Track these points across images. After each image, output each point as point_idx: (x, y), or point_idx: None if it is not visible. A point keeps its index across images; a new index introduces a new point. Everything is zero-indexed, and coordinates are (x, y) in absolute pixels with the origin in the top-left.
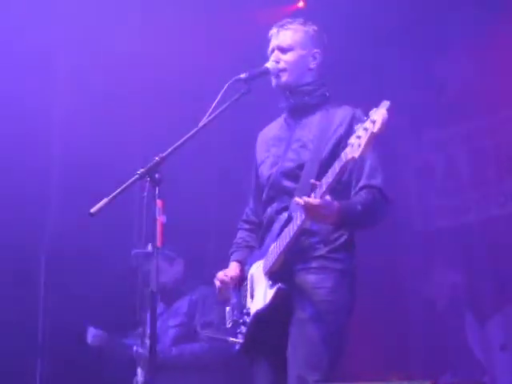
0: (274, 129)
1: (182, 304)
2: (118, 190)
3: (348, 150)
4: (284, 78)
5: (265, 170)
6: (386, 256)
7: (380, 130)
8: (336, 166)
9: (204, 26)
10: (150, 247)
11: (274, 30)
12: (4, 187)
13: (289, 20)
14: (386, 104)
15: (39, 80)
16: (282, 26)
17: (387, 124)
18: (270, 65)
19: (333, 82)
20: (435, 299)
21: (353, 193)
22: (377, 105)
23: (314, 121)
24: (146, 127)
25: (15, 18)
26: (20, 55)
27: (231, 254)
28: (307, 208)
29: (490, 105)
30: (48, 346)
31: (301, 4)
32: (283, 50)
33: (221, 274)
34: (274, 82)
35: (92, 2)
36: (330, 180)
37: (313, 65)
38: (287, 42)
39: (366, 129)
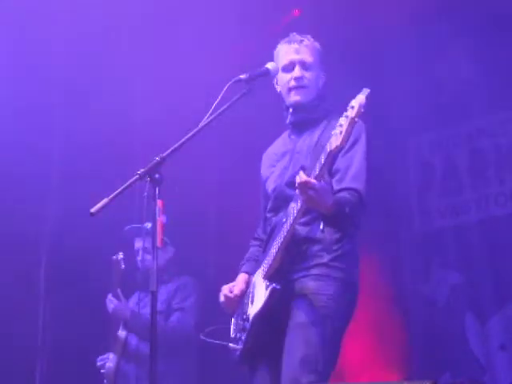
0: (277, 145)
1: (162, 292)
2: (118, 190)
3: (332, 139)
4: (303, 96)
5: (271, 184)
6: (386, 256)
7: (357, 114)
8: (322, 158)
9: (204, 25)
10: (147, 225)
11: (293, 45)
12: (4, 187)
13: (300, 35)
14: (365, 91)
15: (39, 81)
16: (301, 42)
17: (365, 109)
18: (270, 66)
19: (331, 84)
20: (435, 299)
21: (336, 188)
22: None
23: (316, 132)
24: (146, 127)
25: (14, 19)
26: (20, 55)
27: (241, 267)
28: (304, 186)
29: (490, 105)
30: (48, 346)
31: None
32: (306, 67)
33: (226, 290)
34: (290, 98)
35: (92, 1)
36: (316, 172)
37: (321, 85)
38: (309, 60)
39: (346, 116)
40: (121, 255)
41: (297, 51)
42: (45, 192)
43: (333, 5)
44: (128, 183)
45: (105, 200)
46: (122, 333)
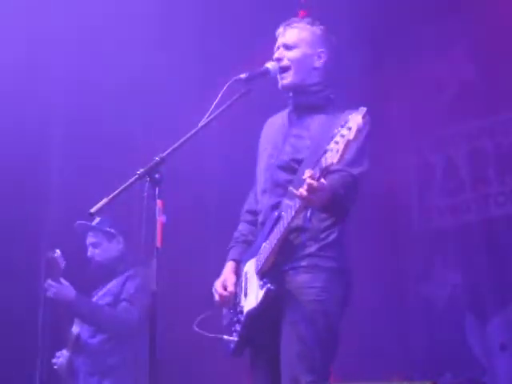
0: (278, 120)
1: (115, 284)
2: (118, 189)
3: (328, 154)
4: (289, 79)
5: (262, 161)
6: (386, 256)
7: (355, 137)
8: (317, 171)
9: (204, 25)
10: (95, 221)
11: (280, 29)
12: (4, 187)
13: (296, 19)
14: (362, 111)
15: (39, 80)
16: (288, 25)
17: (363, 130)
18: (270, 65)
19: (331, 83)
20: (435, 299)
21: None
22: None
23: (316, 120)
24: (145, 127)
25: (14, 20)
26: (19, 57)
27: (229, 250)
28: (308, 191)
29: (490, 105)
30: (48, 346)
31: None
32: (288, 47)
33: (220, 288)
34: (279, 83)
35: (91, 2)
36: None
37: (318, 64)
38: (292, 40)
39: (342, 135)
40: (58, 252)
41: (282, 34)
42: (45, 192)
43: (333, 3)
44: (128, 183)
45: (104, 200)
46: (75, 328)
